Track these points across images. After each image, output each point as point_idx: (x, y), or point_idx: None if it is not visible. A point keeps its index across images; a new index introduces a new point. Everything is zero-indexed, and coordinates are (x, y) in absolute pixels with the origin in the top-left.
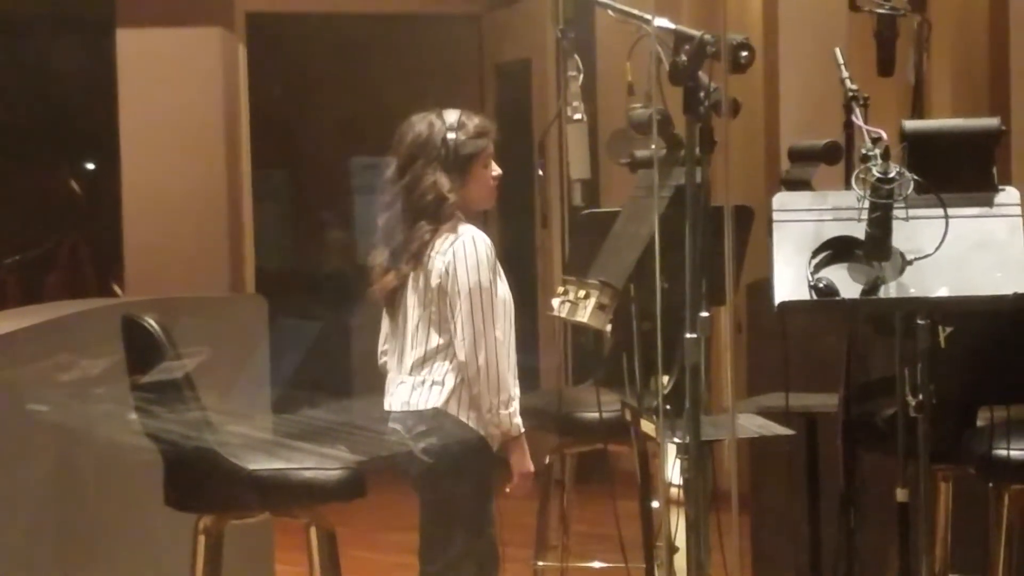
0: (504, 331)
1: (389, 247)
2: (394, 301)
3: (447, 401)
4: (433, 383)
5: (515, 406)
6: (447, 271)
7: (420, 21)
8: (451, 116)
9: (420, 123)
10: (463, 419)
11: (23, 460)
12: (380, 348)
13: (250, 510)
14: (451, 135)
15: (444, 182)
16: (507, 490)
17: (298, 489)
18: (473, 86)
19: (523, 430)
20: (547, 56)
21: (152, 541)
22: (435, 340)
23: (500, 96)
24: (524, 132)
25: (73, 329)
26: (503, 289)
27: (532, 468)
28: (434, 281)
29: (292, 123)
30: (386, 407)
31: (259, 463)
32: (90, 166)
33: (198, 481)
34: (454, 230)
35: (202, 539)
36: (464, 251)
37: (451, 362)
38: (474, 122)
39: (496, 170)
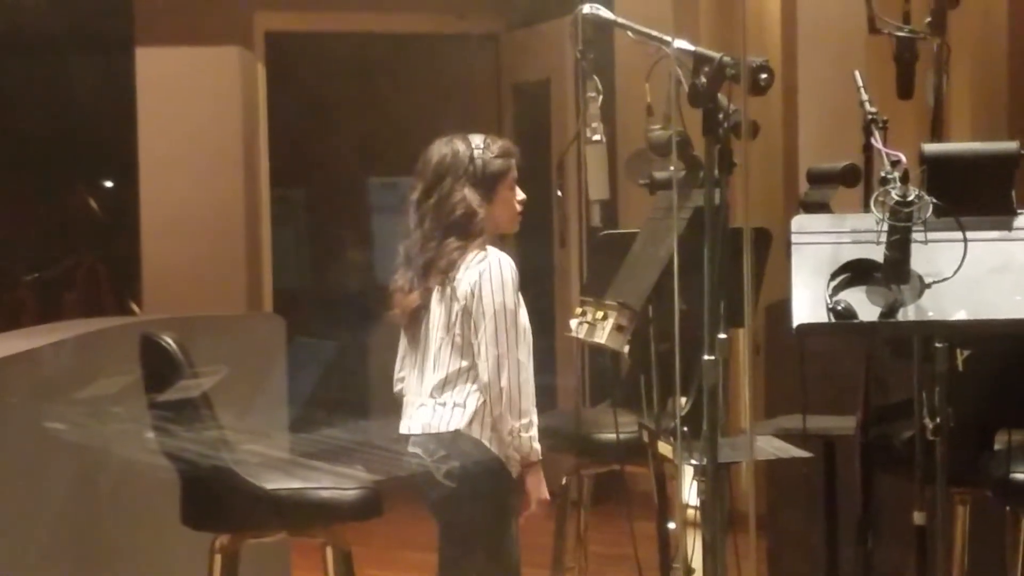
0: (525, 355)
1: (413, 268)
2: (416, 322)
3: (469, 424)
4: (455, 405)
5: (535, 430)
6: (472, 292)
7: (439, 41)
8: (476, 138)
9: (446, 146)
10: (484, 442)
11: (41, 478)
12: (396, 374)
13: (267, 529)
14: (478, 154)
15: (474, 197)
16: (522, 516)
17: (315, 508)
18: (491, 106)
19: (540, 457)
20: (566, 76)
21: (168, 560)
22: (457, 363)
23: (518, 116)
24: (543, 152)
25: (91, 347)
26: (523, 315)
27: (548, 495)
28: (459, 304)
29: (310, 142)
30: (403, 430)
31: (276, 482)
32: (109, 185)
33: (215, 500)
34: (482, 249)
35: (218, 558)
36: (490, 272)
37: (473, 384)
38: (499, 144)
39: (521, 194)
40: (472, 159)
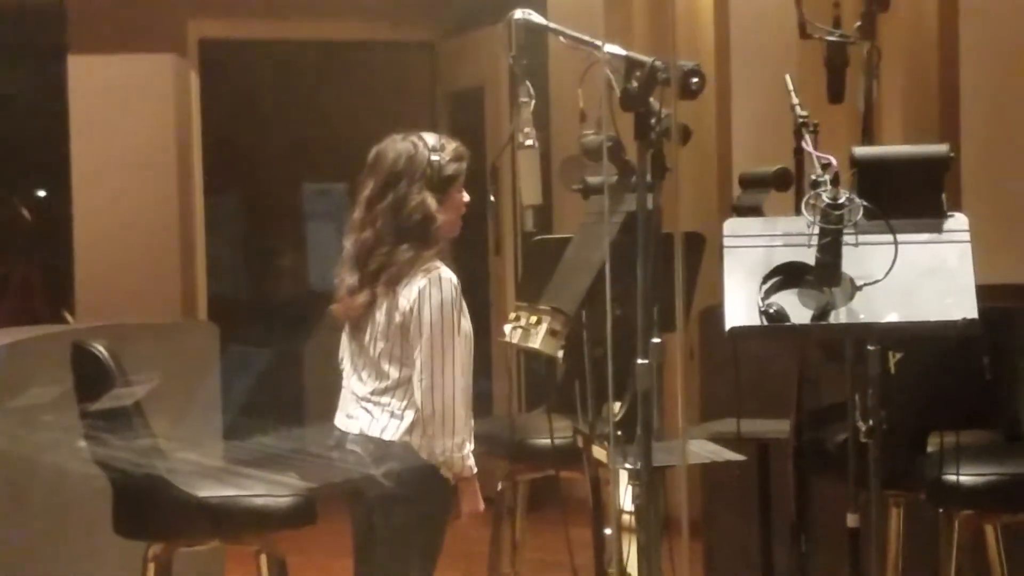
0: (464, 370)
1: (362, 268)
2: (360, 323)
3: (405, 435)
4: (392, 416)
5: (468, 448)
6: (411, 310)
7: (373, 48)
8: (431, 138)
9: (402, 143)
10: (421, 454)
11: None
12: (340, 355)
13: (200, 537)
14: (435, 156)
15: (432, 202)
16: (453, 523)
17: (248, 516)
18: (426, 114)
19: (475, 471)
20: (500, 84)
21: (101, 569)
22: (395, 374)
23: (453, 124)
24: (477, 160)
25: (22, 356)
26: (466, 325)
27: (482, 507)
28: (397, 318)
29: (245, 149)
30: (341, 426)
31: (209, 490)
32: (41, 193)
33: (148, 508)
34: (432, 263)
35: (152, 567)
36: (429, 291)
37: (410, 398)
38: (452, 146)
39: (466, 196)
40: (430, 161)
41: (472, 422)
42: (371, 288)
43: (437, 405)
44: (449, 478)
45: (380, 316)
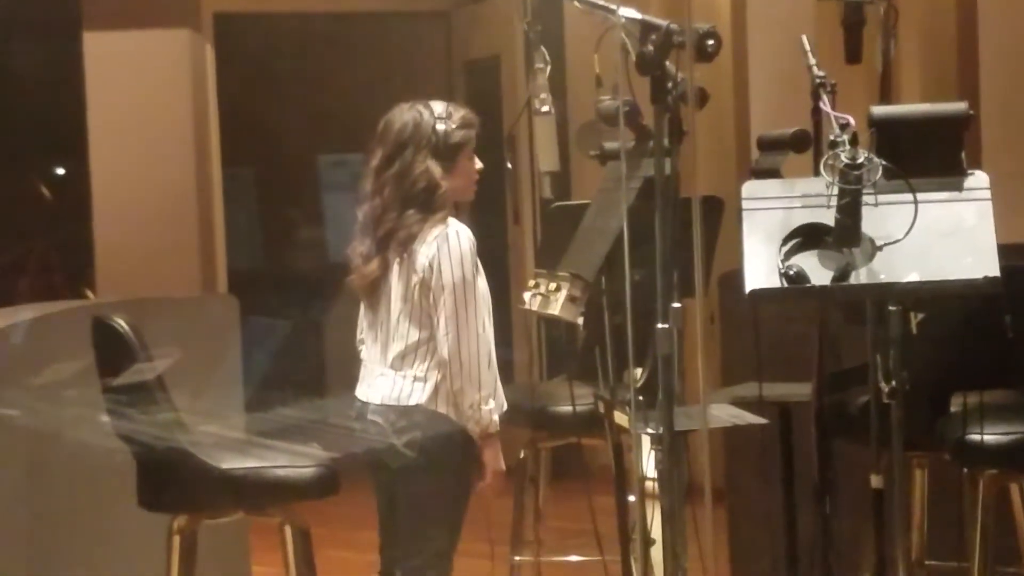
0: (485, 326)
1: (373, 236)
2: (376, 291)
3: (431, 398)
4: (416, 379)
5: (493, 402)
6: (430, 266)
7: (388, 19)
8: (438, 107)
9: (408, 112)
10: (449, 415)
11: None
12: (358, 335)
13: (224, 509)
14: (440, 124)
15: (436, 170)
16: (478, 486)
17: (271, 487)
18: (442, 83)
19: (499, 428)
20: (516, 52)
21: (126, 542)
22: (415, 335)
23: (469, 93)
24: (494, 129)
25: (44, 331)
26: (483, 284)
27: (504, 467)
28: (416, 276)
29: (261, 122)
30: (362, 397)
31: (232, 462)
32: (59, 171)
33: (171, 481)
34: (442, 223)
35: (176, 539)
36: (448, 246)
37: (432, 358)
38: (460, 113)
39: (478, 163)
40: (435, 129)
41: (499, 381)
42: (383, 254)
43: (464, 357)
44: (474, 437)
45: (396, 280)
